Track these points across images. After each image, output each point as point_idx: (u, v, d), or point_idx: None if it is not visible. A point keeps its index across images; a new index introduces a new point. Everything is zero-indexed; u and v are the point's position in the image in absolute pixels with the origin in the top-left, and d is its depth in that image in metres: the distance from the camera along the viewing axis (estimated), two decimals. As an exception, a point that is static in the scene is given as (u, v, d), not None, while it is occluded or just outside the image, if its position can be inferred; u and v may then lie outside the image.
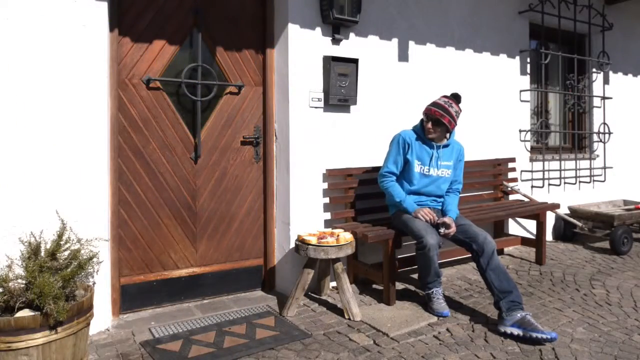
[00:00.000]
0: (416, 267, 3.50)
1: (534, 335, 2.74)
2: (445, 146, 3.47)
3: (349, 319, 3.13)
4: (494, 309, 3.05)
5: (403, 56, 4.15)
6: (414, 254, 3.63)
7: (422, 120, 3.48)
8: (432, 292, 3.25)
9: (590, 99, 5.73)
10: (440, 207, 3.51)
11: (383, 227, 3.53)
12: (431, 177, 3.43)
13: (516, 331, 2.82)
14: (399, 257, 3.60)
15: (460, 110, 3.43)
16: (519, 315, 2.86)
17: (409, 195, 3.43)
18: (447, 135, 3.48)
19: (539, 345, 2.74)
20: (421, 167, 3.42)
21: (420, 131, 3.46)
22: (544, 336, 2.72)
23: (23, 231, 2.58)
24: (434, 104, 3.39)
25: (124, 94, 3.19)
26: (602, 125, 5.72)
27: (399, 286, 3.71)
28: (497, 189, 4.71)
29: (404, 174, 3.47)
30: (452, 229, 3.26)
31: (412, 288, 3.72)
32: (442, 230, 3.28)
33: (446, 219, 3.29)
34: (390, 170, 3.45)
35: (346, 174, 3.76)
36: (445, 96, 3.44)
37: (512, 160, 4.84)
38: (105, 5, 2.89)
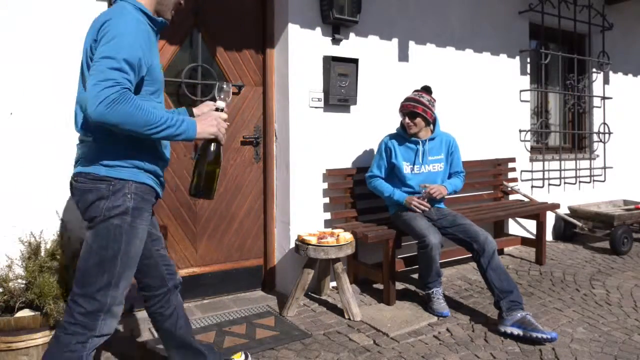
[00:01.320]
0: (416, 267, 3.51)
1: (534, 335, 2.74)
2: (432, 139, 3.49)
3: (349, 319, 3.13)
4: (494, 309, 3.05)
5: (403, 56, 4.15)
6: (414, 253, 3.63)
7: (401, 121, 3.54)
8: (432, 292, 3.25)
9: (590, 99, 5.73)
10: (441, 206, 3.51)
11: (383, 227, 3.53)
12: (422, 174, 3.46)
13: (516, 331, 2.82)
14: (399, 257, 3.60)
15: (434, 100, 3.46)
16: (519, 315, 2.86)
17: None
18: (432, 128, 3.51)
19: (539, 345, 2.74)
20: (410, 167, 3.46)
21: (402, 132, 3.52)
22: (545, 336, 2.72)
23: (23, 231, 2.58)
24: (405, 98, 3.48)
25: (124, 94, 3.19)
26: (602, 125, 5.72)
27: (399, 286, 3.71)
28: (497, 189, 4.71)
29: (397, 177, 3.50)
30: (433, 188, 3.34)
31: (412, 288, 3.72)
32: (423, 191, 3.37)
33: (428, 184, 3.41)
34: (373, 174, 3.56)
35: (346, 174, 3.76)
36: (415, 90, 3.53)
37: (512, 160, 4.84)
38: (105, 5, 2.89)
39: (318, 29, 3.65)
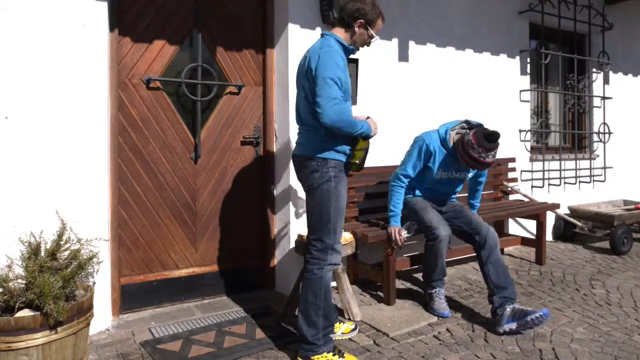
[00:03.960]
0: (416, 267, 3.51)
1: (529, 318, 2.79)
2: None
3: (349, 318, 3.12)
4: (494, 308, 3.06)
5: (403, 56, 4.15)
6: (414, 253, 3.64)
7: (451, 140, 3.21)
8: (435, 291, 3.25)
9: (590, 99, 5.73)
10: (452, 200, 3.51)
11: (382, 227, 3.53)
12: (447, 179, 3.37)
13: (512, 325, 2.85)
14: (399, 256, 3.59)
15: (497, 151, 3.09)
16: (508, 309, 2.89)
17: (417, 196, 3.41)
18: None
19: (536, 328, 2.83)
20: (442, 173, 3.32)
21: (447, 143, 3.22)
22: (537, 315, 2.78)
23: (23, 231, 2.58)
24: (475, 150, 3.02)
25: (124, 94, 3.19)
26: (602, 125, 5.72)
27: (400, 286, 3.71)
28: (497, 189, 4.71)
29: (423, 175, 3.35)
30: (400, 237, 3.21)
31: (413, 288, 3.72)
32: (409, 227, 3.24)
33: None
34: (406, 174, 3.27)
35: (346, 174, 3.75)
36: (484, 136, 3.01)
37: (512, 160, 4.84)
38: (105, 5, 2.89)
39: (318, 29, 3.65)
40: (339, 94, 2.38)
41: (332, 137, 2.52)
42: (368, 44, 2.71)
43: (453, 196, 3.53)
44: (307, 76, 2.49)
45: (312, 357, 2.49)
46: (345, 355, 2.54)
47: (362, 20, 2.57)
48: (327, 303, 2.53)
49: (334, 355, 2.50)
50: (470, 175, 3.45)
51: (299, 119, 2.65)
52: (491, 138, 3.01)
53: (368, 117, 2.69)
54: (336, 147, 2.54)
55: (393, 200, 3.29)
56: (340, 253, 2.59)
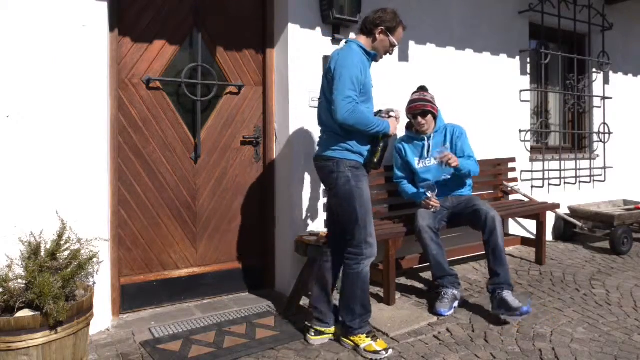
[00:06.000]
0: (416, 266, 3.51)
1: (512, 313, 2.94)
2: (436, 132, 3.61)
3: (349, 319, 3.12)
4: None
5: (403, 56, 4.15)
6: (414, 254, 3.64)
7: (408, 123, 3.73)
8: (442, 292, 3.27)
9: (590, 99, 5.73)
10: (462, 193, 3.61)
11: (383, 226, 3.53)
12: (431, 167, 3.55)
13: (500, 312, 2.98)
14: (399, 256, 3.59)
15: (433, 96, 3.63)
16: (497, 298, 3.00)
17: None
18: (434, 123, 3.62)
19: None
20: (422, 162, 3.59)
21: (409, 132, 3.73)
22: (516, 315, 2.93)
23: (23, 231, 2.58)
24: (410, 101, 3.62)
25: (124, 94, 3.19)
26: (602, 125, 5.72)
27: (400, 286, 3.71)
28: (497, 189, 4.71)
29: (412, 172, 3.65)
30: (446, 155, 3.31)
31: (413, 288, 3.72)
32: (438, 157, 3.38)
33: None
34: (397, 177, 3.71)
35: (346, 174, 3.76)
36: (414, 92, 3.69)
37: (512, 160, 4.84)
38: (105, 5, 2.89)
39: (318, 29, 3.65)
40: (354, 93, 2.52)
41: (348, 138, 2.64)
42: (390, 52, 2.86)
43: (456, 190, 3.59)
44: (327, 76, 2.66)
45: (350, 337, 2.71)
46: (378, 340, 2.68)
47: (382, 27, 2.73)
48: (365, 295, 2.71)
49: (367, 337, 2.68)
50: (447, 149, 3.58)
51: (320, 120, 2.80)
52: (422, 86, 3.71)
53: (391, 112, 2.83)
54: (352, 148, 2.65)
55: (405, 190, 3.66)
56: (373, 245, 2.70)
